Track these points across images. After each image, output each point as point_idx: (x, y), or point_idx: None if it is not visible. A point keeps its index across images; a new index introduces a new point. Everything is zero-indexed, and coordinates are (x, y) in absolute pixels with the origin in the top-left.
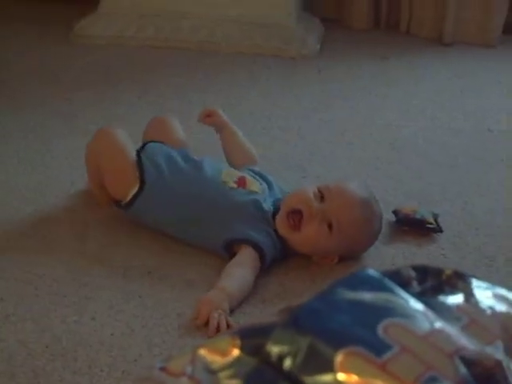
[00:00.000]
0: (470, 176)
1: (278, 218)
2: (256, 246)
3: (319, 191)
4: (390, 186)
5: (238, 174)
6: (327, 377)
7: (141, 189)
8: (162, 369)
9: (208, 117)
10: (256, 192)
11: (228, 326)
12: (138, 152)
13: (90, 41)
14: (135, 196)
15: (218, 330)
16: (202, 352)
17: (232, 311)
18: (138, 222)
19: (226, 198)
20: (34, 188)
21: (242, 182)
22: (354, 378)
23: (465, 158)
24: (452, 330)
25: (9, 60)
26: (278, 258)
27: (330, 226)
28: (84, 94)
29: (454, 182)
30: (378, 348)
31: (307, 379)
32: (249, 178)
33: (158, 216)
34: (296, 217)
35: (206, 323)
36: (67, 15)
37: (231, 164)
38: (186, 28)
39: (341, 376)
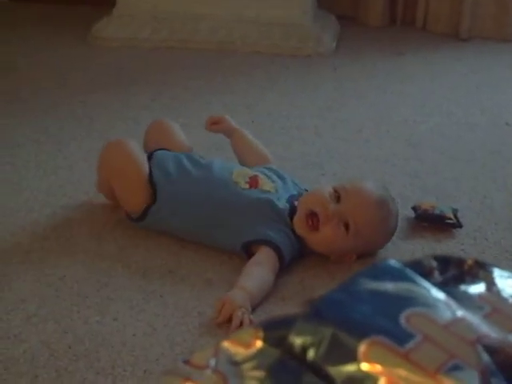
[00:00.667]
0: (487, 170)
1: (296, 218)
2: (275, 247)
3: (335, 191)
4: (408, 182)
5: (250, 173)
6: (351, 367)
7: (152, 203)
8: (186, 362)
9: (214, 124)
10: (269, 191)
11: (251, 324)
12: (149, 164)
13: (105, 43)
14: (146, 210)
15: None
16: (226, 344)
17: (253, 310)
18: (152, 229)
19: (239, 200)
20: (52, 191)
21: (254, 182)
22: (378, 367)
23: (481, 153)
24: (474, 319)
25: (23, 62)
26: (296, 256)
27: (346, 227)
28: (98, 96)
29: (472, 176)
30: (400, 337)
31: (331, 369)
32: (261, 176)
33: (171, 225)
34: (314, 218)
35: (227, 321)
36: (82, 17)
37: (245, 166)
38: (203, 29)
39: (364, 366)
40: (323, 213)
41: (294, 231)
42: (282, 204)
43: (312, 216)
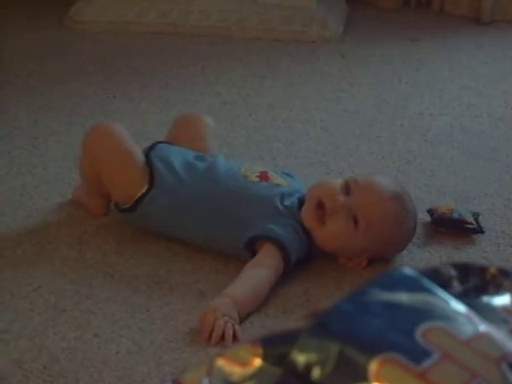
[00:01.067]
0: None
1: (303, 209)
2: (279, 244)
3: (346, 183)
4: (423, 182)
5: (259, 168)
6: None
7: (149, 190)
8: (176, 382)
9: None
10: (280, 185)
11: (235, 335)
12: (147, 152)
13: (85, 27)
14: (141, 197)
15: (222, 338)
16: (220, 362)
17: (250, 322)
18: (141, 226)
19: (248, 192)
20: (26, 191)
21: (264, 176)
22: None
23: (506, 150)
24: (498, 334)
25: None
26: (303, 257)
27: (355, 222)
28: (78, 86)
29: (495, 176)
30: (416, 355)
31: None
32: (271, 172)
33: (165, 220)
34: (321, 210)
35: (222, 337)
36: None
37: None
38: (195, 12)
39: None
40: (331, 204)
41: (303, 227)
42: (294, 199)
43: (320, 208)
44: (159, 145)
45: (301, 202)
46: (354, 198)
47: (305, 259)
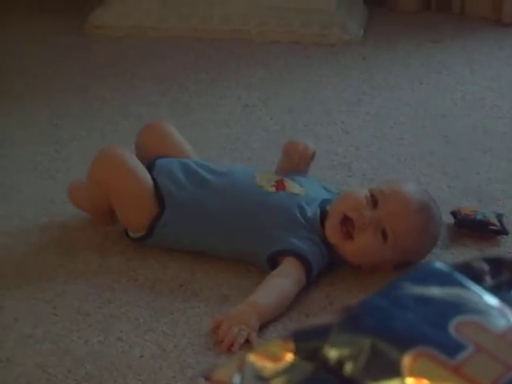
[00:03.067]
0: None
1: (328, 225)
2: (303, 259)
3: (372, 195)
4: (446, 184)
5: (275, 176)
6: (394, 382)
7: (161, 213)
8: (207, 378)
9: None
10: (298, 194)
11: (249, 343)
12: (150, 171)
13: (105, 32)
14: (153, 223)
15: (232, 347)
16: (252, 358)
17: (275, 326)
18: (160, 246)
19: (266, 204)
20: (48, 197)
21: (280, 185)
22: (425, 382)
23: None
24: None
25: (16, 54)
26: (325, 268)
27: (384, 235)
28: (99, 90)
29: None
30: (450, 348)
31: None
32: (288, 180)
33: (183, 239)
34: (348, 225)
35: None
36: (80, 3)
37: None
38: (215, 16)
39: (409, 381)
40: (359, 219)
41: (324, 239)
42: (314, 208)
43: (346, 223)
44: (159, 161)
45: (323, 213)
46: (381, 211)
47: (326, 268)
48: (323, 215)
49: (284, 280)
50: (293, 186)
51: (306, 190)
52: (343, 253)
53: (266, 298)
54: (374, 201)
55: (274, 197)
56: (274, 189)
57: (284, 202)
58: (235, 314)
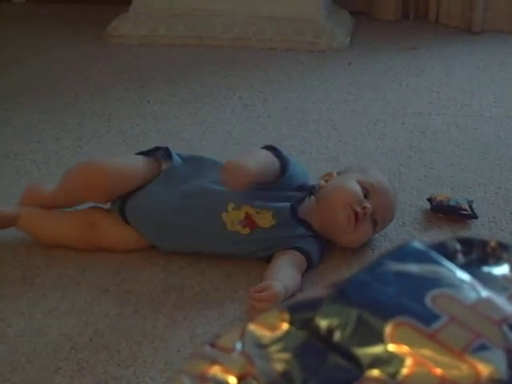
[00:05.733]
0: (502, 162)
1: (341, 218)
2: (306, 255)
3: (363, 187)
4: (423, 174)
5: (239, 212)
6: (377, 348)
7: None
8: (213, 345)
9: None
10: (272, 226)
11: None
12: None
13: (121, 40)
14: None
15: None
16: (252, 327)
17: None
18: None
19: (250, 247)
20: None
21: (250, 223)
22: (405, 348)
23: (496, 145)
24: (499, 299)
25: (41, 61)
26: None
27: (375, 223)
28: (117, 92)
29: (486, 168)
30: (426, 318)
31: (357, 351)
32: (251, 212)
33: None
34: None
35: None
36: (98, 16)
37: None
38: (219, 26)
39: (391, 347)
40: (363, 211)
41: (315, 234)
42: (288, 225)
43: (354, 215)
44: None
45: (294, 210)
46: (373, 203)
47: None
48: (295, 214)
49: (297, 273)
50: (260, 217)
51: (273, 213)
52: (339, 241)
53: (292, 286)
54: (365, 193)
55: (253, 237)
56: (247, 230)
57: (265, 240)
58: (279, 295)
